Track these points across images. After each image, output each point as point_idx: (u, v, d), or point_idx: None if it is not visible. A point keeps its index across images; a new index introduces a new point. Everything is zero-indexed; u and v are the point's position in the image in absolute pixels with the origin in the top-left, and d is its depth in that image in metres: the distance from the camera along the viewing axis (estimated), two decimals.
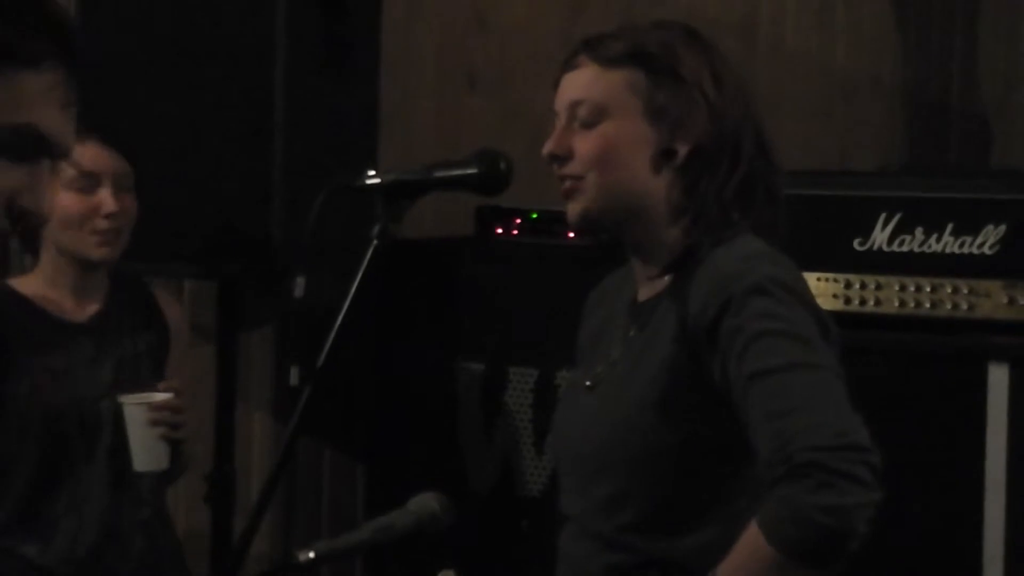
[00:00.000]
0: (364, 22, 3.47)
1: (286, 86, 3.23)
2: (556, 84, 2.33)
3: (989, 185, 3.17)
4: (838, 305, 3.17)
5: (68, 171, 2.87)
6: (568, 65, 2.32)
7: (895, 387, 3.16)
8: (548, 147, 2.29)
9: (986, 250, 3.09)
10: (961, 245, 3.11)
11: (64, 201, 2.88)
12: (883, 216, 3.17)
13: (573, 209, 2.28)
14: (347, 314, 2.11)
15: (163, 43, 3.30)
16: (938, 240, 3.13)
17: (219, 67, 3.26)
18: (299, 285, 2.20)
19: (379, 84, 3.52)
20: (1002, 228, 3.07)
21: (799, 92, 5.12)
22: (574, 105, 2.28)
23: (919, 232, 3.15)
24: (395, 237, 2.16)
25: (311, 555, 1.95)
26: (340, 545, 2.00)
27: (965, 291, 3.10)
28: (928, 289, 3.13)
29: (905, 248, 3.16)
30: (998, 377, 3.05)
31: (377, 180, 2.18)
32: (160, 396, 2.84)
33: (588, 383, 2.34)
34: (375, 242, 2.14)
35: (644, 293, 2.32)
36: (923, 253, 3.14)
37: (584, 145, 2.27)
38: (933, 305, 3.13)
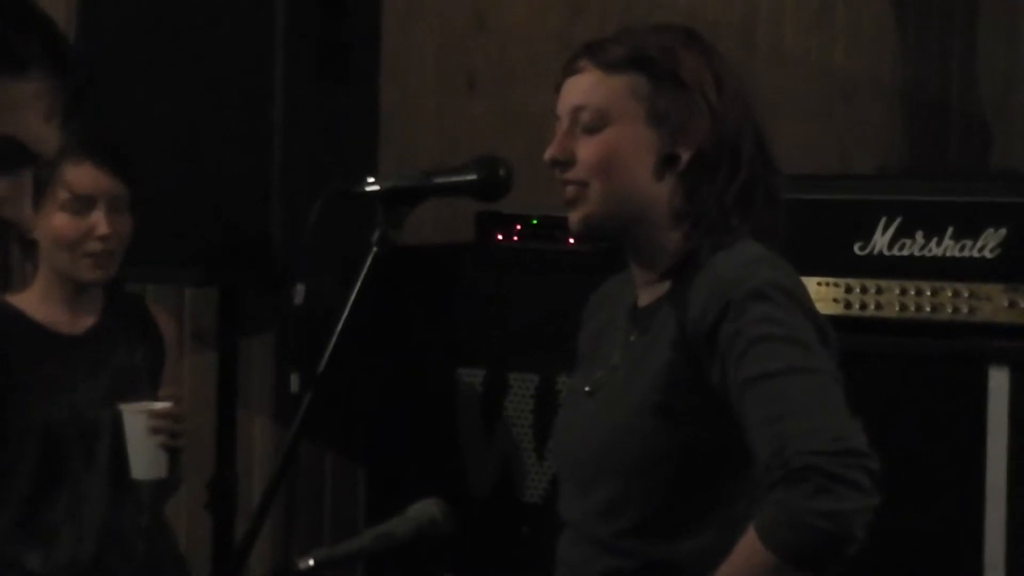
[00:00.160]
0: (364, 25, 3.46)
1: (285, 89, 3.23)
2: (558, 88, 2.33)
3: (989, 188, 3.17)
4: (839, 309, 3.17)
5: (62, 193, 2.87)
6: (570, 69, 2.32)
7: (896, 391, 3.16)
8: (550, 152, 2.29)
9: (986, 253, 3.09)
10: (961, 249, 3.11)
11: (58, 223, 2.88)
12: (883, 220, 3.17)
13: (575, 217, 2.28)
14: (347, 320, 2.11)
15: (162, 46, 3.30)
16: (938, 244, 3.13)
17: (218, 71, 3.25)
18: (299, 292, 2.20)
19: (379, 87, 3.52)
20: (1002, 231, 3.07)
21: (798, 93, 5.13)
22: (576, 110, 2.28)
23: (919, 236, 3.14)
24: (395, 243, 2.16)
25: (311, 562, 1.95)
26: (341, 552, 2.00)
27: (966, 295, 3.10)
28: (929, 293, 3.13)
29: (905, 252, 3.16)
30: (999, 381, 3.05)
31: (376, 187, 2.18)
32: (160, 404, 2.84)
33: (588, 388, 2.34)
34: (375, 248, 2.14)
35: (644, 298, 2.32)
36: (923, 257, 3.14)
37: (586, 151, 2.26)
38: (934, 309, 3.13)
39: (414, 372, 3.76)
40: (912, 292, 3.15)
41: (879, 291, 3.18)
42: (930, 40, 5.64)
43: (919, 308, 3.14)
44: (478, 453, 3.64)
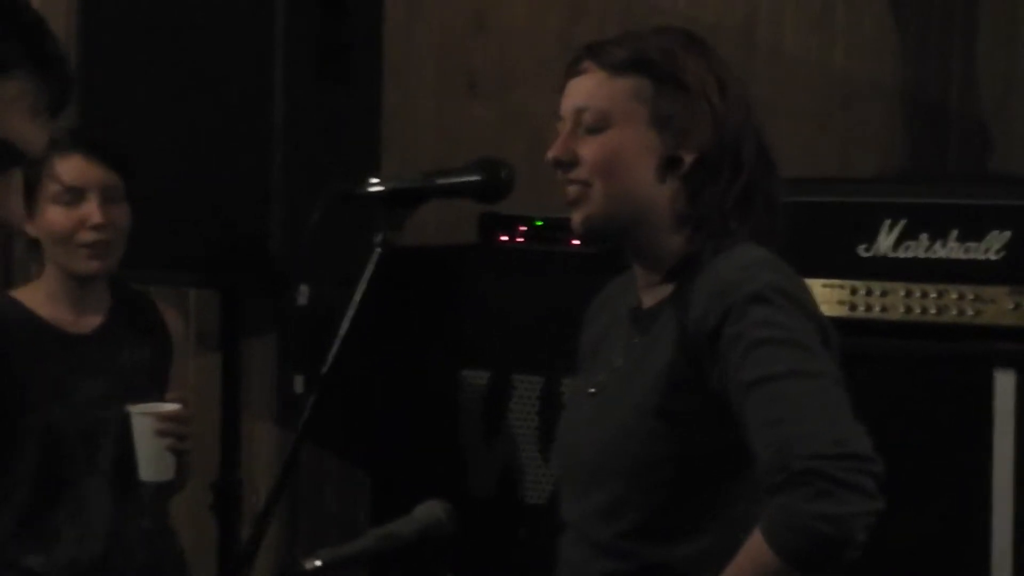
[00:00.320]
0: (364, 26, 3.46)
1: (286, 91, 3.23)
2: (560, 90, 2.33)
3: (994, 191, 3.17)
4: (843, 312, 3.17)
5: (53, 186, 2.87)
6: (573, 71, 2.32)
7: (900, 393, 3.15)
8: (552, 153, 2.29)
9: (991, 256, 3.08)
10: (966, 251, 3.10)
11: (51, 216, 2.88)
12: (888, 222, 3.17)
13: (577, 217, 2.28)
14: (351, 322, 2.11)
15: (162, 48, 3.30)
16: (943, 246, 3.13)
17: (218, 72, 3.25)
18: (303, 293, 2.20)
19: (380, 88, 3.52)
20: (1007, 234, 3.07)
21: (798, 96, 5.12)
22: (579, 111, 2.28)
23: (924, 238, 3.14)
24: (397, 245, 2.16)
25: (316, 563, 1.95)
26: (345, 553, 2.00)
27: (970, 297, 3.10)
28: (933, 295, 3.13)
29: (910, 254, 3.15)
30: (1004, 383, 3.05)
31: (378, 188, 2.18)
32: (168, 407, 2.84)
33: (591, 390, 2.34)
34: (378, 250, 2.14)
35: (647, 300, 2.32)
36: (928, 259, 3.14)
37: (589, 151, 2.26)
38: (938, 311, 3.13)
39: (417, 374, 3.75)
40: (917, 294, 3.14)
41: (884, 293, 3.17)
42: (930, 42, 5.63)
43: (924, 310, 3.14)
44: (481, 455, 3.64)
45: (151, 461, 2.83)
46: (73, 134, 2.92)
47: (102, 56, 3.33)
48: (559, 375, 3.48)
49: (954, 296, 3.11)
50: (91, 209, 2.88)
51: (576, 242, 3.34)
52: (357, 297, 2.11)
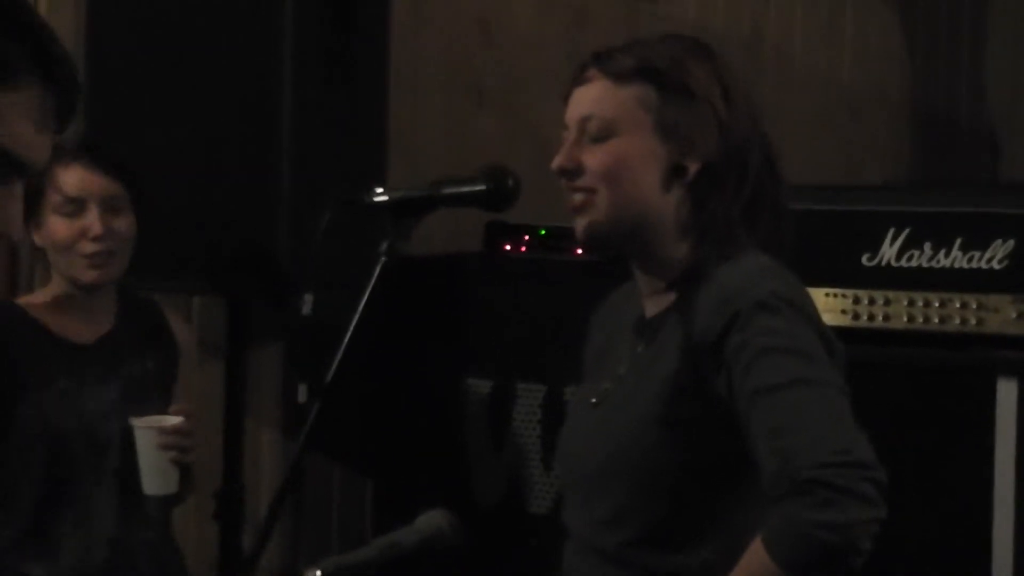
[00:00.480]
0: (371, 36, 3.46)
1: (293, 100, 3.23)
2: (566, 98, 2.33)
3: (998, 199, 3.16)
4: (847, 320, 3.17)
5: (55, 196, 2.87)
6: (578, 79, 2.31)
7: (904, 402, 3.16)
8: (557, 161, 2.29)
9: (995, 265, 3.08)
10: (970, 260, 3.10)
11: (53, 226, 2.88)
12: (891, 231, 3.17)
13: (581, 224, 2.28)
14: (355, 331, 2.11)
15: (170, 57, 3.30)
16: (947, 255, 3.13)
17: (226, 82, 3.26)
18: (307, 302, 2.20)
19: (386, 99, 3.52)
20: (1010, 243, 3.07)
21: (806, 106, 5.13)
22: (584, 120, 2.28)
23: (927, 247, 3.14)
24: (403, 253, 2.16)
25: (318, 572, 1.95)
26: (348, 562, 2.00)
27: (974, 306, 3.10)
28: (937, 304, 3.13)
29: (913, 263, 3.15)
30: (1007, 392, 3.05)
31: (384, 197, 2.18)
32: (171, 420, 2.83)
33: (594, 399, 2.34)
34: (383, 259, 2.14)
35: (651, 309, 2.32)
36: (932, 268, 3.14)
37: (594, 159, 2.26)
38: (942, 320, 3.13)
39: (422, 382, 3.76)
40: (920, 303, 3.14)
41: (887, 302, 3.17)
42: (937, 52, 5.64)
43: (927, 319, 3.14)
44: (485, 463, 3.64)
45: (154, 474, 2.82)
46: (77, 144, 2.92)
47: (109, 64, 3.33)
48: (562, 384, 3.48)
49: (957, 305, 3.11)
50: (92, 220, 2.88)
51: (580, 251, 3.35)
52: (361, 306, 2.12)
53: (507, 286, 3.65)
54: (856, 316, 3.19)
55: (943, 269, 3.12)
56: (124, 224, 2.92)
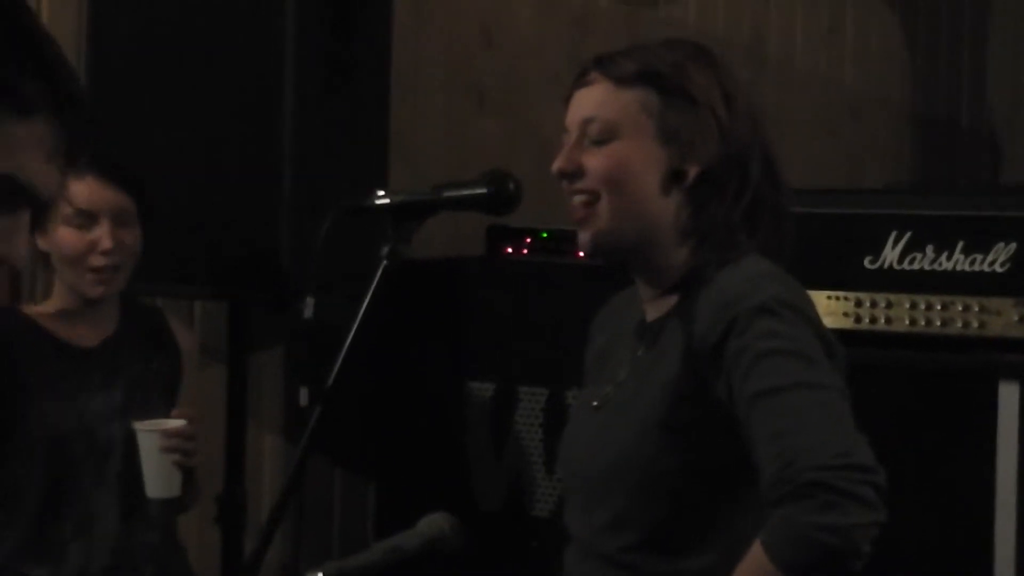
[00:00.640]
0: (372, 41, 3.47)
1: (295, 105, 3.23)
2: (567, 100, 2.33)
3: (1000, 203, 3.16)
4: (849, 323, 3.17)
5: (65, 208, 2.87)
6: (580, 82, 2.31)
7: (905, 405, 3.15)
8: (558, 164, 2.29)
9: (997, 268, 3.08)
10: (972, 263, 3.10)
11: (62, 237, 2.88)
12: (894, 234, 3.17)
13: (586, 236, 2.28)
14: (356, 334, 2.11)
15: (171, 62, 3.30)
16: (949, 258, 3.13)
17: (228, 87, 3.26)
18: (308, 306, 2.20)
19: (388, 103, 3.52)
20: (1013, 246, 3.07)
21: (807, 110, 5.13)
22: (586, 122, 2.28)
23: (930, 250, 3.14)
24: (404, 257, 2.16)
25: None
26: (350, 566, 2.00)
27: (976, 309, 3.10)
28: (939, 307, 3.13)
29: (916, 266, 3.15)
30: (1008, 395, 3.04)
31: (386, 201, 2.19)
32: (173, 423, 2.83)
33: (595, 404, 2.34)
34: (384, 262, 2.14)
35: (651, 313, 2.32)
36: (934, 271, 3.13)
37: (594, 162, 2.26)
38: (944, 323, 3.12)
39: (423, 386, 3.76)
40: (922, 306, 3.14)
41: (889, 305, 3.17)
42: (939, 56, 5.64)
43: (929, 322, 3.14)
44: (487, 467, 3.64)
45: (157, 478, 2.82)
46: (89, 156, 2.92)
47: (110, 68, 3.34)
48: (564, 387, 3.48)
49: (959, 308, 3.11)
50: (102, 233, 2.88)
51: (581, 254, 3.34)
52: (362, 309, 2.12)
53: (509, 289, 3.65)
54: (858, 319, 3.19)
55: (945, 272, 3.12)
56: (132, 238, 2.93)
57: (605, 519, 2.24)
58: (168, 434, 2.81)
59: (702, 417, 2.17)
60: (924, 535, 3.08)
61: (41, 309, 2.98)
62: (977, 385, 3.07)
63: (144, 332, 3.04)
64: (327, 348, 2.16)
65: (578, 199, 2.28)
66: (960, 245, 3.11)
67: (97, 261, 2.89)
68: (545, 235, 3.67)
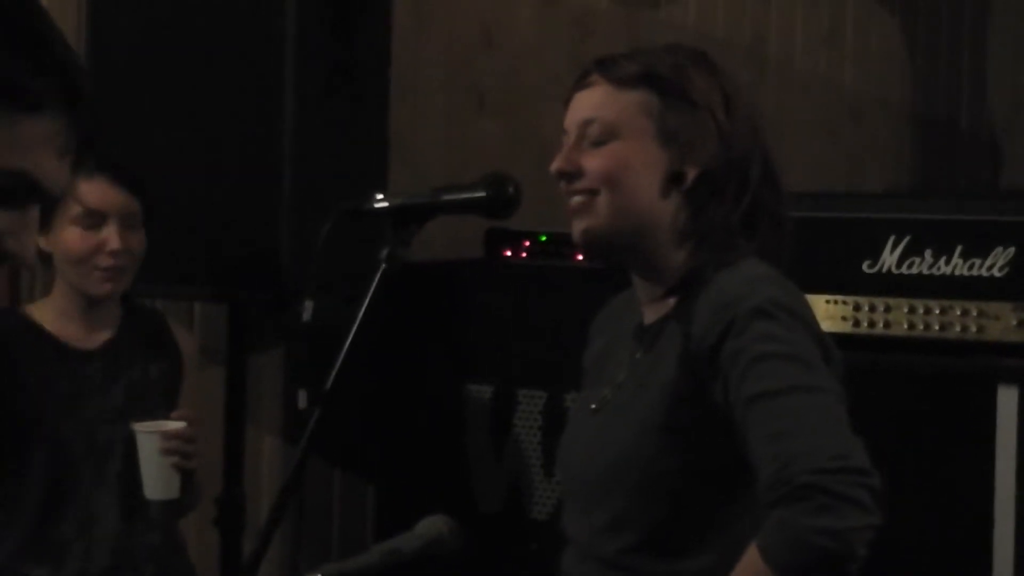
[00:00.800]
0: (373, 44, 3.47)
1: (295, 108, 3.23)
2: (567, 102, 2.33)
3: (998, 207, 3.16)
4: (847, 327, 3.17)
5: (75, 208, 2.88)
6: (580, 84, 2.32)
7: (904, 409, 3.15)
8: (557, 164, 2.29)
9: (995, 272, 3.08)
10: (970, 267, 3.10)
11: (70, 237, 2.89)
12: (892, 238, 3.17)
13: (579, 227, 2.27)
14: (355, 337, 2.11)
15: (172, 65, 3.30)
16: (947, 262, 3.13)
17: (228, 89, 3.26)
18: (307, 308, 2.20)
19: (388, 106, 3.53)
20: (1011, 250, 3.07)
21: (807, 113, 5.13)
22: (585, 123, 2.28)
23: (928, 254, 3.14)
24: (404, 260, 2.16)
25: None
26: (349, 568, 2.00)
27: (974, 313, 3.10)
28: (937, 311, 3.13)
29: (914, 270, 3.15)
30: (1007, 399, 3.04)
31: (385, 204, 2.19)
32: (172, 425, 2.84)
33: (593, 406, 2.34)
34: (383, 265, 2.14)
35: (649, 316, 2.32)
36: (932, 275, 3.14)
37: (593, 162, 2.26)
38: (942, 327, 3.13)
39: (422, 388, 3.76)
40: (921, 310, 3.14)
41: (888, 309, 3.18)
42: (939, 59, 5.64)
43: (928, 326, 3.14)
44: (486, 469, 3.64)
45: (156, 479, 2.82)
46: (97, 157, 2.93)
47: (111, 70, 3.34)
48: (563, 390, 3.48)
49: (958, 312, 3.11)
50: (110, 234, 2.89)
51: (580, 257, 3.35)
52: (361, 312, 2.12)
53: (508, 292, 3.65)
54: (857, 323, 3.19)
55: (944, 276, 3.12)
56: (137, 241, 2.94)
57: (604, 521, 2.25)
58: (167, 436, 2.81)
59: (701, 419, 2.17)
60: (923, 538, 3.09)
61: (42, 310, 2.98)
62: (976, 389, 3.07)
63: (145, 335, 3.04)
64: (326, 350, 2.16)
65: (576, 199, 2.28)
66: (959, 249, 3.12)
67: (104, 261, 2.89)
68: (544, 238, 3.68)
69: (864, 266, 3.19)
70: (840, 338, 2.24)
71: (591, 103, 2.29)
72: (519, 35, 4.40)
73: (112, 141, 3.16)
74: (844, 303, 3.21)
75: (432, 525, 2.08)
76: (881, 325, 3.18)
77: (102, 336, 2.98)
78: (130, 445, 2.85)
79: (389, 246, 2.16)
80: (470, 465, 3.66)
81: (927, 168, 5.55)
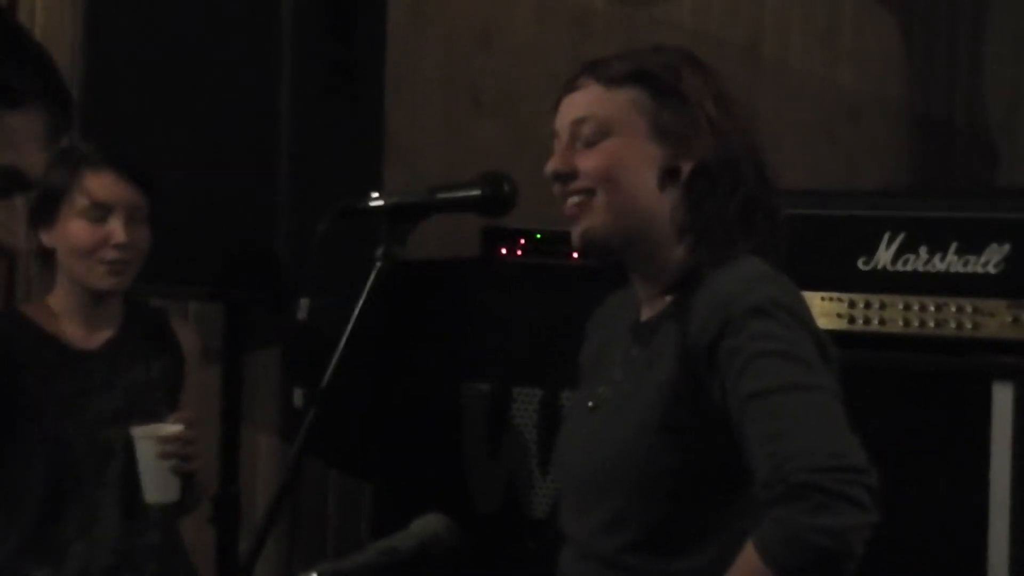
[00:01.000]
0: (369, 43, 3.47)
1: (292, 107, 3.23)
2: (556, 105, 2.33)
3: (993, 204, 3.16)
4: (842, 325, 3.17)
5: (81, 200, 2.88)
6: (570, 87, 2.32)
7: (899, 407, 3.15)
8: (551, 166, 2.29)
9: (990, 269, 3.08)
10: (965, 264, 3.10)
11: (75, 230, 2.89)
12: (887, 235, 3.17)
13: (578, 230, 2.27)
14: (351, 335, 2.11)
15: (169, 65, 3.31)
16: (942, 259, 3.13)
17: (225, 89, 3.26)
18: (303, 307, 2.21)
19: (384, 106, 3.53)
20: (1006, 247, 3.07)
21: (804, 112, 5.13)
22: (577, 123, 2.28)
23: (923, 251, 3.14)
24: (400, 258, 2.17)
25: None
26: (345, 566, 2.00)
27: (969, 310, 3.10)
28: (932, 308, 3.13)
29: (909, 267, 3.15)
30: (1002, 396, 3.04)
31: (381, 202, 2.19)
32: (171, 428, 2.83)
33: (590, 404, 2.34)
34: (379, 264, 2.15)
35: (646, 313, 2.32)
36: (927, 272, 3.14)
37: (588, 162, 2.26)
38: (937, 324, 3.13)
39: (419, 386, 3.76)
40: (916, 308, 3.15)
41: (883, 306, 3.18)
42: (936, 58, 5.64)
43: (923, 324, 3.14)
44: (483, 468, 3.64)
45: (155, 483, 2.82)
46: (103, 151, 2.93)
47: (108, 70, 3.34)
48: (559, 388, 3.49)
49: (953, 309, 3.11)
50: (116, 227, 2.90)
51: (577, 256, 3.35)
52: (357, 311, 2.12)
53: (504, 290, 3.65)
54: (852, 320, 3.19)
55: (939, 273, 3.12)
56: (142, 236, 2.94)
57: (602, 520, 2.24)
58: (165, 439, 2.81)
59: (697, 417, 2.17)
60: (918, 536, 3.08)
61: (40, 308, 2.98)
62: (971, 386, 3.07)
63: (147, 333, 3.04)
64: (322, 349, 2.16)
65: (572, 200, 2.28)
66: (953, 246, 3.11)
67: (109, 254, 2.90)
68: (540, 236, 3.68)
69: (859, 263, 3.19)
70: (835, 335, 2.24)
71: (583, 103, 2.29)
72: (517, 35, 4.40)
73: (109, 141, 3.16)
74: (839, 300, 3.21)
75: (428, 524, 2.08)
76: (876, 322, 3.18)
77: (103, 335, 2.98)
78: (131, 446, 2.85)
79: (385, 244, 2.16)
80: (466, 463, 3.66)
81: (925, 168, 5.55)
